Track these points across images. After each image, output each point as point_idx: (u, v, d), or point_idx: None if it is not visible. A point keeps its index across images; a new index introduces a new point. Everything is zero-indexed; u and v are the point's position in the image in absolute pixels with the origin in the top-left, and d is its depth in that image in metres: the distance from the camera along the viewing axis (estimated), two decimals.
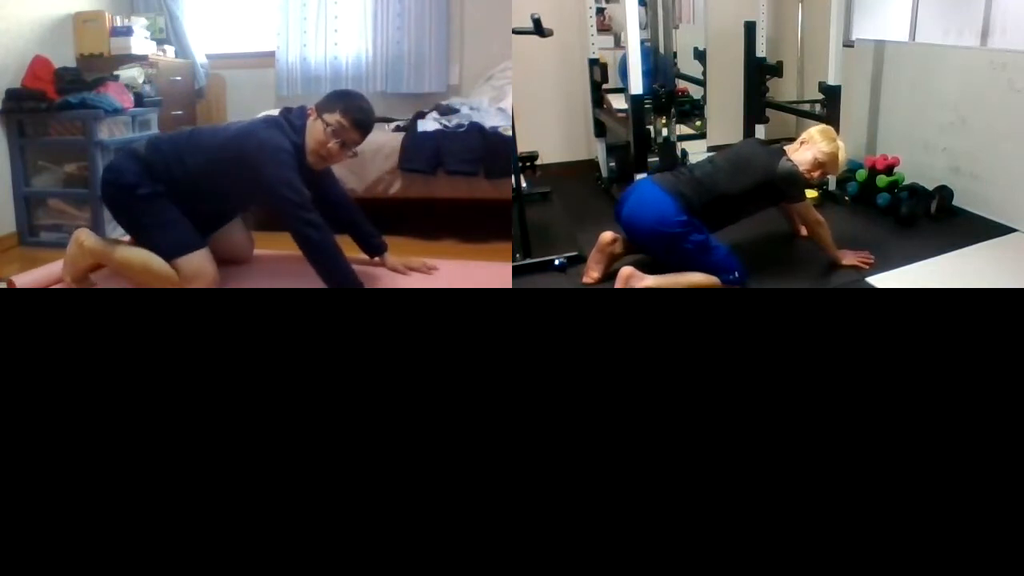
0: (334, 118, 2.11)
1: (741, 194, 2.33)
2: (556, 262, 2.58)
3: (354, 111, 2.14)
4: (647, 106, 2.86)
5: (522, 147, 2.72)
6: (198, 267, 2.08)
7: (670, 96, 2.90)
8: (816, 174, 2.41)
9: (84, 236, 2.18)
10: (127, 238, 2.27)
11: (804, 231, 2.74)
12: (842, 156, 2.42)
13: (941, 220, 2.91)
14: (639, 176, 2.89)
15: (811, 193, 2.89)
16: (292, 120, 2.16)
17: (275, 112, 2.25)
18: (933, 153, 3.13)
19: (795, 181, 2.34)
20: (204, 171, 2.11)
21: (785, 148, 2.43)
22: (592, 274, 2.46)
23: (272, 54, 4.30)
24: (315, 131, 2.13)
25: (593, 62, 3.51)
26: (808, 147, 2.39)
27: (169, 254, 2.08)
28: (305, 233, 2.01)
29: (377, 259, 2.45)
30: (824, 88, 3.22)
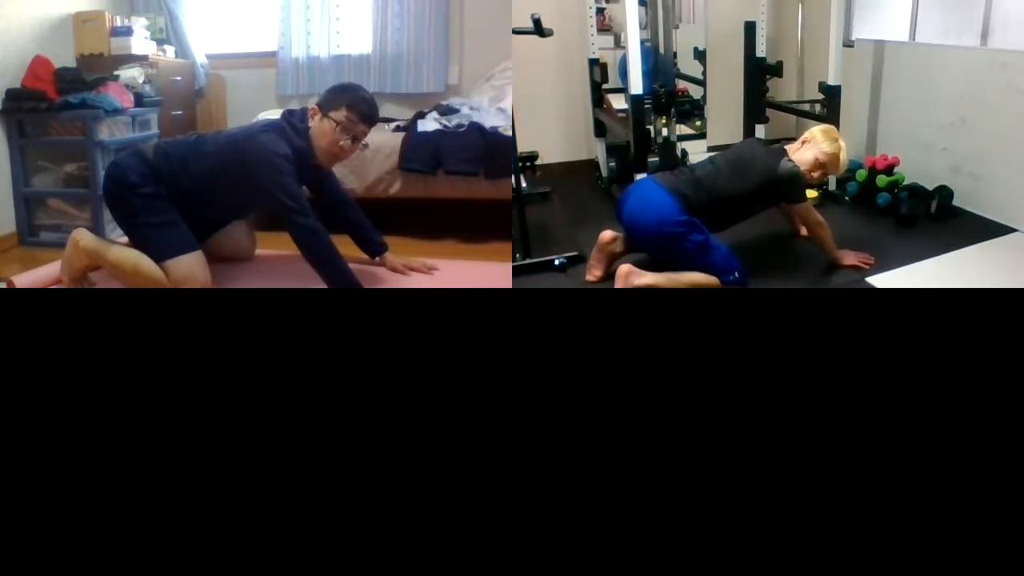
0: (341, 115, 2.12)
1: (742, 195, 2.32)
2: (556, 262, 2.58)
3: (359, 104, 2.15)
4: (647, 106, 2.86)
5: (522, 147, 2.72)
6: (188, 270, 2.06)
7: (670, 96, 2.90)
8: (817, 174, 2.40)
9: (80, 236, 2.18)
10: (124, 239, 2.27)
11: (804, 231, 2.74)
12: (843, 156, 2.40)
13: (941, 220, 2.91)
14: (639, 176, 2.90)
15: (811, 193, 2.88)
16: (294, 123, 2.15)
17: (277, 114, 2.25)
18: (933, 153, 3.12)
19: (796, 182, 2.32)
20: (207, 177, 2.12)
21: (786, 148, 2.41)
22: (595, 272, 2.46)
23: (272, 54, 4.31)
24: (324, 131, 2.13)
25: (593, 62, 3.51)
26: (810, 147, 2.37)
27: (160, 255, 2.07)
28: (303, 238, 2.03)
29: (377, 259, 2.45)
30: (824, 88, 3.22)
